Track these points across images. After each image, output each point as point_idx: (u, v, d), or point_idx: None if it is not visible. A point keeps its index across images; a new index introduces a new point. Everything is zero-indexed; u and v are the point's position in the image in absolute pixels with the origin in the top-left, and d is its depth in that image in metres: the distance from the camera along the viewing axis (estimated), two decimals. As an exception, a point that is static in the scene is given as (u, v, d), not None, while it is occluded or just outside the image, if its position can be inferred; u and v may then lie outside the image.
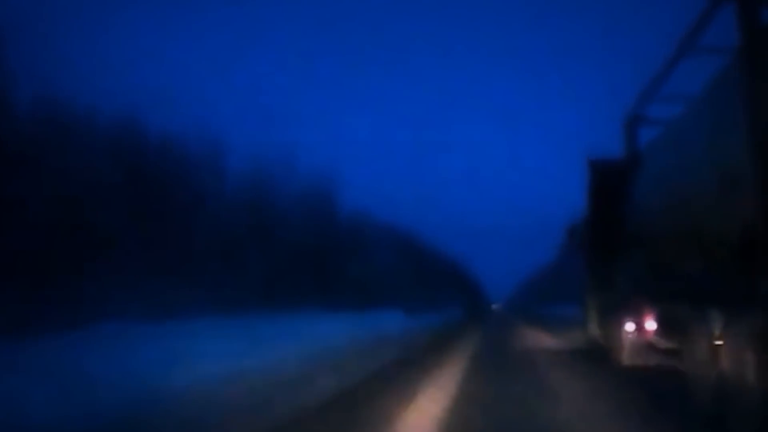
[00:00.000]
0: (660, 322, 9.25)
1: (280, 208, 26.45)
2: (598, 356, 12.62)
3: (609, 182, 12.55)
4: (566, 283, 59.88)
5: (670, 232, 8.26)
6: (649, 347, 9.97)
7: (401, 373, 11.97)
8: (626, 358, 10.67)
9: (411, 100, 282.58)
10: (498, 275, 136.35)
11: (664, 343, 9.29)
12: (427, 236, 56.61)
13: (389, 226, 41.89)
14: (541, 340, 19.73)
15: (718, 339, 6.34)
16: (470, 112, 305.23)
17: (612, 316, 11.62)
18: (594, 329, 13.64)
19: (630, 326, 10.55)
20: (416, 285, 45.50)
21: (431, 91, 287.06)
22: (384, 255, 38.47)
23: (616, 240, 12.07)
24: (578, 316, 31.56)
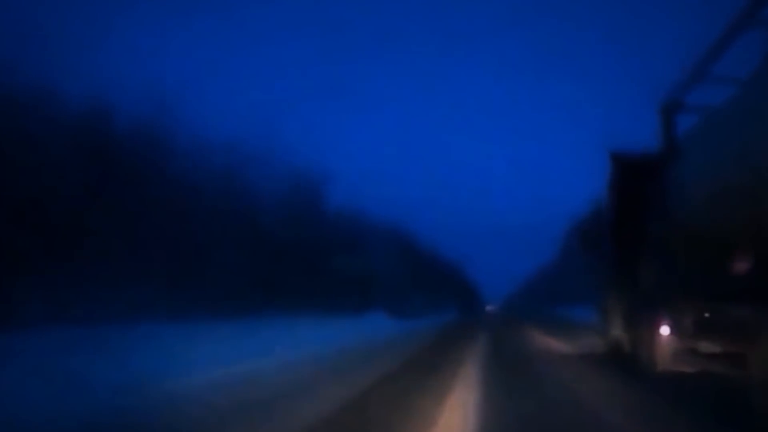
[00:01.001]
0: (705, 324, 8.66)
1: (260, 203, 25.21)
2: (622, 362, 11.99)
3: (634, 176, 12.10)
4: (568, 285, 59.77)
5: (723, 227, 7.67)
6: (690, 352, 9.39)
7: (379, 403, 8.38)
8: (661, 363, 10.08)
9: (408, 100, 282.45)
10: (492, 276, 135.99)
11: (709, 347, 8.70)
12: (421, 236, 55.76)
13: (379, 224, 40.33)
14: (549, 345, 18.82)
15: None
16: (467, 111, 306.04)
17: (641, 318, 11.02)
18: (616, 333, 13.02)
19: (666, 329, 9.96)
20: (405, 285, 43.94)
21: (428, 90, 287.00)
22: (372, 254, 36.81)
23: (644, 237, 11.55)
24: (586, 319, 31.24)
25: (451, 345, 19.11)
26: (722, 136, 7.85)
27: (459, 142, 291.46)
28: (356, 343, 18.41)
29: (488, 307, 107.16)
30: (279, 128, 33.03)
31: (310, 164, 30.13)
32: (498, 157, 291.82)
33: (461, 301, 75.95)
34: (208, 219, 20.06)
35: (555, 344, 18.75)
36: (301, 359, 13.88)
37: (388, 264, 39.98)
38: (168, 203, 18.10)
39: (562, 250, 64.54)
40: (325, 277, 28.67)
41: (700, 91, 9.15)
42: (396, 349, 17.40)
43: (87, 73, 17.75)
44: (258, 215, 24.21)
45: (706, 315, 8.26)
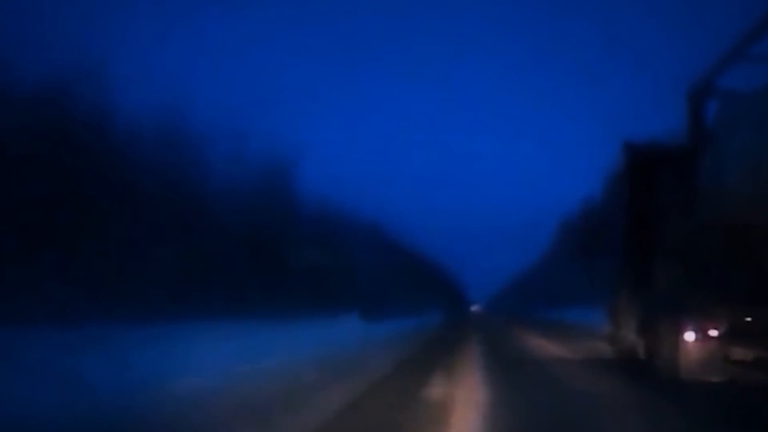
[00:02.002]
0: (739, 329, 8.09)
1: (212, 186, 21.97)
2: (636, 369, 11.39)
3: (651, 168, 11.58)
4: (558, 286, 59.43)
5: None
6: (720, 358, 8.82)
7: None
8: (686, 371, 9.50)
9: (395, 96, 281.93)
10: (476, 275, 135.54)
11: (742, 354, 8.13)
12: (404, 234, 54.68)
13: (358, 219, 37.53)
14: (548, 350, 18.16)
15: None
16: (452, 108, 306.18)
17: (661, 322, 10.43)
18: (629, 337, 12.41)
19: (691, 334, 9.36)
20: (385, 285, 40.83)
21: (415, 86, 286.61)
22: (347, 250, 33.78)
23: (662, 234, 11.00)
24: (580, 321, 30.72)
25: (437, 354, 16.14)
26: (761, 121, 7.26)
27: (441, 139, 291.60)
28: (308, 357, 13.65)
29: (473, 307, 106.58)
30: (258, 118, 30.50)
31: (279, 149, 26.29)
32: (482, 155, 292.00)
33: (446, 302, 74.94)
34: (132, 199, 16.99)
35: (554, 349, 18.10)
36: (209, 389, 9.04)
37: (366, 262, 37.42)
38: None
39: (552, 250, 64.25)
40: (289, 274, 25.06)
41: (732, 75, 8.54)
42: (364, 366, 13.15)
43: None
44: (206, 199, 21.06)
45: (747, 319, 7.66)
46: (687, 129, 9.97)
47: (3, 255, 13.27)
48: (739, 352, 8.14)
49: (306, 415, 7.35)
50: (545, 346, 19.19)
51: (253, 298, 21.53)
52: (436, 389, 9.87)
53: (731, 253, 8.05)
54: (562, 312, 45.94)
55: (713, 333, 9.19)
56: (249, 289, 21.75)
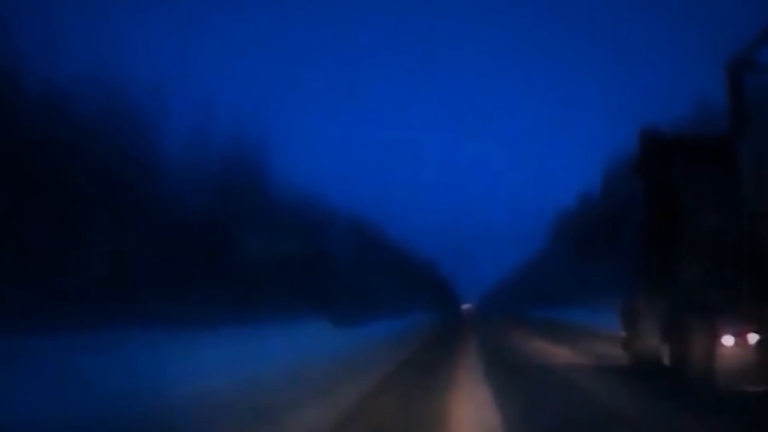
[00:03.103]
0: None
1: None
2: (660, 376, 10.60)
3: (673, 159, 10.89)
4: (554, 284, 58.77)
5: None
6: (762, 365, 8.05)
7: None
8: (722, 380, 8.72)
9: (386, 94, 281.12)
10: (467, 273, 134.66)
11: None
12: (391, 230, 53.43)
13: (339, 213, 35.35)
14: (553, 354, 17.15)
15: None
16: (444, 105, 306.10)
17: (691, 324, 9.64)
18: (650, 341, 11.61)
19: (729, 339, 8.59)
20: (368, 284, 37.49)
21: (406, 84, 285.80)
22: (321, 244, 30.16)
23: (689, 229, 10.24)
24: (580, 322, 29.99)
25: (425, 374, 12.86)
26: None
27: (426, 135, 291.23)
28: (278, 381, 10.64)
29: (465, 306, 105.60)
30: (229, 104, 28.27)
31: (249, 135, 23.94)
32: (470, 153, 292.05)
33: (436, 301, 73.25)
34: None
35: (562, 353, 17.19)
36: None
37: (346, 258, 34.61)
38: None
39: (548, 248, 63.65)
40: (248, 270, 21.39)
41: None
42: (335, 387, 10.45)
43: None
44: (152, 182, 18.37)
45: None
46: (726, 106, 9.21)
47: None
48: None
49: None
50: (551, 350, 18.26)
51: (193, 299, 17.73)
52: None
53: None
54: (558, 311, 45.12)
55: (753, 337, 8.45)
56: (190, 288, 18.10)
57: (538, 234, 73.20)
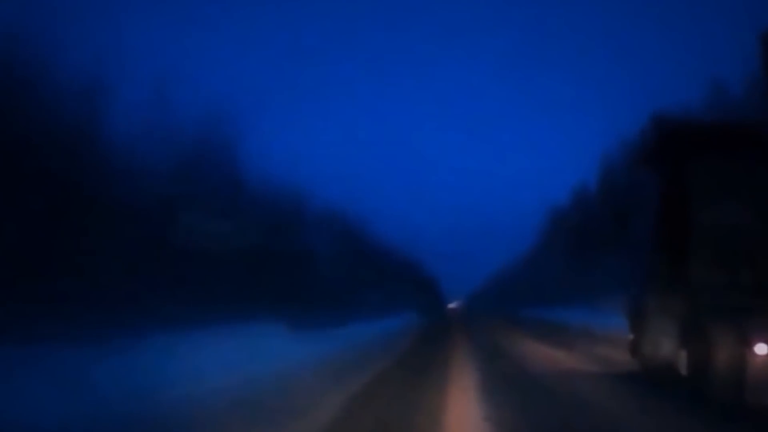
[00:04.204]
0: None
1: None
2: (678, 387, 9.74)
3: (691, 148, 10.10)
4: (542, 282, 57.99)
5: None
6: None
7: None
8: (753, 393, 7.85)
9: (376, 91, 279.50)
10: (454, 271, 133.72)
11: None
12: (370, 226, 51.76)
13: (308, 204, 32.66)
14: (553, 360, 16.11)
15: None
16: (431, 100, 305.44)
17: (715, 330, 8.73)
18: (662, 347, 10.74)
19: (763, 347, 7.72)
20: (335, 280, 33.37)
21: (395, 82, 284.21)
22: (288, 239, 26.39)
23: (711, 226, 9.42)
24: (578, 322, 29.18)
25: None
26: None
27: (412, 131, 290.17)
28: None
29: (451, 305, 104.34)
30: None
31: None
32: (457, 148, 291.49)
33: (419, 300, 71.22)
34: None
35: (561, 358, 16.27)
36: None
37: (314, 251, 30.68)
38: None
39: (539, 245, 62.82)
40: (195, 260, 18.08)
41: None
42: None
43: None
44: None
45: None
46: (760, 78, 8.38)
47: None
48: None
49: None
50: (550, 355, 17.31)
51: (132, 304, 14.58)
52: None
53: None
54: (550, 311, 44.25)
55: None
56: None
57: (529, 230, 72.54)
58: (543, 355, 17.76)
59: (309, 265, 28.55)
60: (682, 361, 9.85)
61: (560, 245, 47.65)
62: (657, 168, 11.10)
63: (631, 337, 12.73)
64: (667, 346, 10.55)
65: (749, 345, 7.90)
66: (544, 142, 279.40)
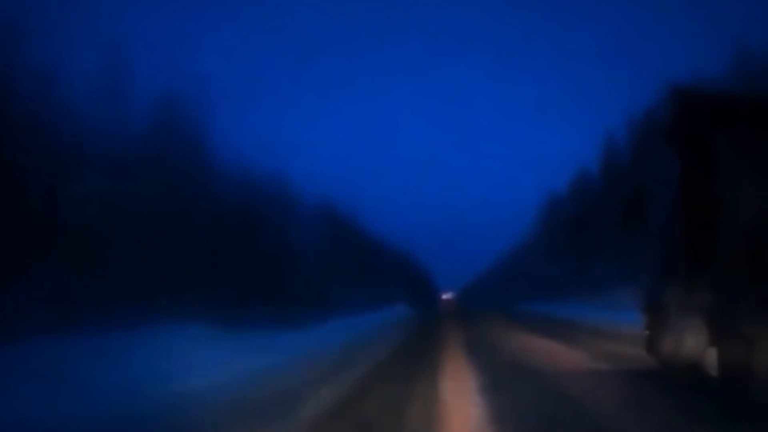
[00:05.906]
0: None
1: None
2: (703, 386, 8.96)
3: (718, 122, 9.37)
4: (540, 273, 57.28)
5: None
6: None
7: None
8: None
9: (370, 86, 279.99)
10: (448, 263, 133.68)
11: None
12: (364, 217, 51.11)
13: (301, 194, 32.24)
14: (564, 358, 15.00)
15: None
16: (424, 93, 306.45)
17: (756, 328, 7.94)
18: (685, 344, 9.93)
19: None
20: (323, 273, 32.21)
21: (388, 74, 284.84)
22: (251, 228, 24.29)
23: (747, 211, 8.70)
24: (580, 315, 28.43)
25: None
26: None
27: (405, 123, 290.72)
28: None
29: (445, 296, 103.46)
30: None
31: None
32: (453, 139, 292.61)
33: (410, 292, 70.04)
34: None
35: (573, 356, 15.23)
36: None
37: (296, 244, 29.45)
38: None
39: (536, 235, 62.05)
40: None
41: None
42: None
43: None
44: None
45: None
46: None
47: None
48: None
49: None
50: (558, 351, 16.32)
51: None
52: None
53: None
54: (549, 304, 43.47)
55: None
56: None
57: (527, 222, 71.96)
58: (548, 349, 16.93)
59: (287, 259, 26.59)
60: (712, 361, 9.09)
61: (559, 235, 46.86)
62: (676, 145, 10.26)
63: (646, 333, 11.94)
64: (691, 344, 9.76)
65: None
66: (542, 132, 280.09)
